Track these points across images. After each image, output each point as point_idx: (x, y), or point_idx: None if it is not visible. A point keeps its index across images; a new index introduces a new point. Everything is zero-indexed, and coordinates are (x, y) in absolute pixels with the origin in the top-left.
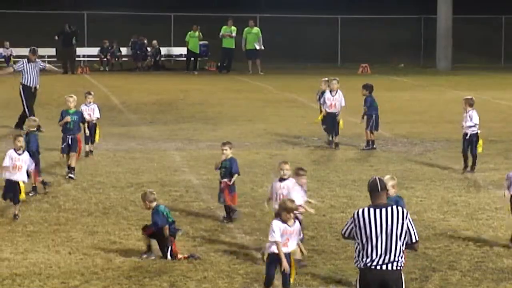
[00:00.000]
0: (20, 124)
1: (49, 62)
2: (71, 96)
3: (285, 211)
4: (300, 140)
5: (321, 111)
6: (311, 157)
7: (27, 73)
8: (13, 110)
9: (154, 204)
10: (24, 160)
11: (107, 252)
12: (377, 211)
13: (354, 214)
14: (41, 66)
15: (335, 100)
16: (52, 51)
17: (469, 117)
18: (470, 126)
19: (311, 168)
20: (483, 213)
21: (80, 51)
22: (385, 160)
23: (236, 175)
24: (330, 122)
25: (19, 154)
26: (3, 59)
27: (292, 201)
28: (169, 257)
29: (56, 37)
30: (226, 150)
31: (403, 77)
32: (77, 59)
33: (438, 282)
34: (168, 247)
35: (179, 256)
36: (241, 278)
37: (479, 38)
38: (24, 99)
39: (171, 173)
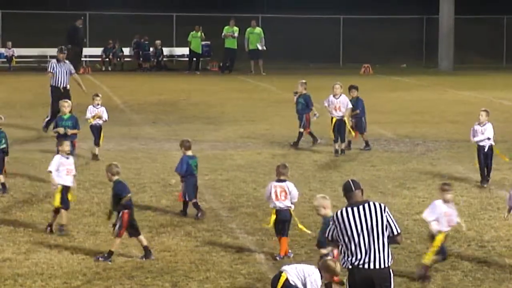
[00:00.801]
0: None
1: None
2: (66, 101)
3: (327, 273)
4: (301, 140)
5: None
6: (313, 157)
7: (56, 73)
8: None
9: (116, 177)
10: None
11: None
12: (355, 209)
13: (333, 216)
14: (71, 71)
15: (339, 103)
16: (54, 51)
17: (485, 129)
18: (489, 139)
19: (313, 169)
20: (485, 213)
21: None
22: (387, 160)
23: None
24: (336, 126)
25: None
26: (5, 59)
27: (334, 261)
28: (117, 228)
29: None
30: None
31: (405, 77)
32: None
33: (440, 282)
34: (121, 220)
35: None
36: (243, 278)
37: (481, 38)
38: (52, 101)
39: (173, 173)
